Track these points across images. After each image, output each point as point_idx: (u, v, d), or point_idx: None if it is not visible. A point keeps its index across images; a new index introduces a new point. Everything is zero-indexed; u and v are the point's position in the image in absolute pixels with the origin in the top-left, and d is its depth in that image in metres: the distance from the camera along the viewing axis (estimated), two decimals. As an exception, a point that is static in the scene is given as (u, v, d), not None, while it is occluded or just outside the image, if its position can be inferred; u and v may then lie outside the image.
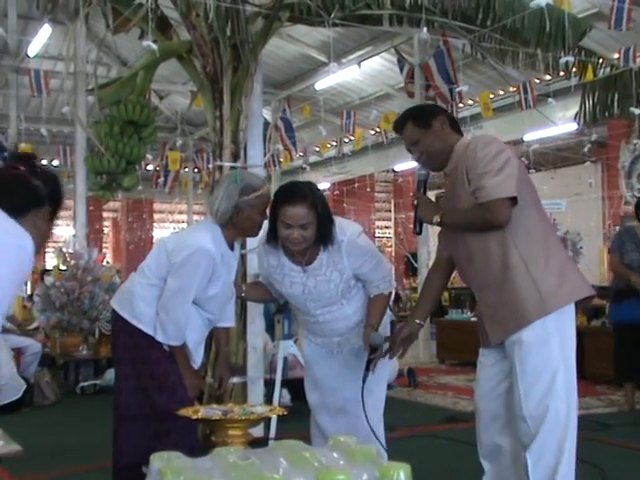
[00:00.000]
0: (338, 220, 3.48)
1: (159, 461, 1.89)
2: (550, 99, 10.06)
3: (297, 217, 3.30)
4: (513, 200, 2.95)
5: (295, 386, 6.09)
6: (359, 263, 3.45)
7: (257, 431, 3.64)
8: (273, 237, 3.43)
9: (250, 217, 3.44)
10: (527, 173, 3.21)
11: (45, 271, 14.31)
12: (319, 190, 3.48)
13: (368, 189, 23.11)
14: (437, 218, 3.12)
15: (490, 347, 3.16)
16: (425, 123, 3.20)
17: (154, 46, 5.83)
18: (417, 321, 3.35)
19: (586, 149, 11.68)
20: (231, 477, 1.75)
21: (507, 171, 2.95)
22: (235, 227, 3.47)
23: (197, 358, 3.62)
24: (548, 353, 2.98)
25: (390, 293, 3.59)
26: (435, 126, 3.19)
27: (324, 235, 3.37)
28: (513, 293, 3.01)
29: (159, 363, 3.45)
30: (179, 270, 3.38)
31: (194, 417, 2.61)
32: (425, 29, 6.33)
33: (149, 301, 3.44)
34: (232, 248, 3.56)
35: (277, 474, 1.76)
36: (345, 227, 3.46)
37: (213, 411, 2.64)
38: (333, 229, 3.39)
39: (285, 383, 6.14)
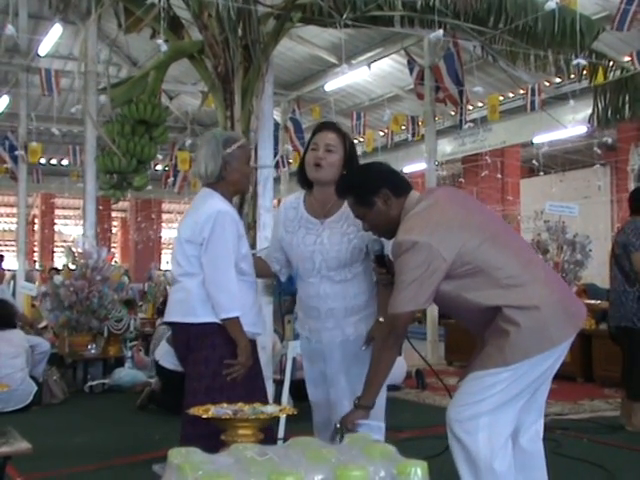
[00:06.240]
0: None
1: (177, 456, 1.89)
2: (562, 101, 10.04)
3: (325, 138, 3.47)
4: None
5: (297, 387, 6.03)
6: None
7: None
8: (302, 178, 3.57)
9: (238, 169, 3.59)
10: (495, 229, 3.09)
11: (54, 269, 14.39)
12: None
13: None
14: (362, 412, 3.05)
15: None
16: (367, 202, 3.12)
17: (165, 46, 5.84)
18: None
19: (597, 151, 11.63)
20: (250, 472, 1.76)
21: (418, 282, 2.90)
22: (227, 182, 3.59)
23: (257, 321, 3.66)
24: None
25: None
26: (378, 204, 3.11)
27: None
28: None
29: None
30: (210, 242, 3.44)
31: (204, 416, 2.61)
32: (441, 30, 6.32)
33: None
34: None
35: (295, 470, 1.77)
36: None
37: (223, 410, 2.64)
38: None
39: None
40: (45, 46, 13.36)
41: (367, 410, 3.08)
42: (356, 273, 3.50)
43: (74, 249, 9.54)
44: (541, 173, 15.13)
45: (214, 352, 3.48)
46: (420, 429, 6.15)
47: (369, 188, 3.13)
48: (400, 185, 3.18)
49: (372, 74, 15.56)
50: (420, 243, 2.90)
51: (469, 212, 3.11)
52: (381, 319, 3.43)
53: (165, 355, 7.14)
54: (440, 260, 2.90)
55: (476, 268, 2.94)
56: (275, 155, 7.01)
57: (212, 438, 2.87)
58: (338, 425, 3.06)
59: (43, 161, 17.37)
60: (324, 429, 3.56)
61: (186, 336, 3.55)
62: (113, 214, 29.12)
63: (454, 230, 2.97)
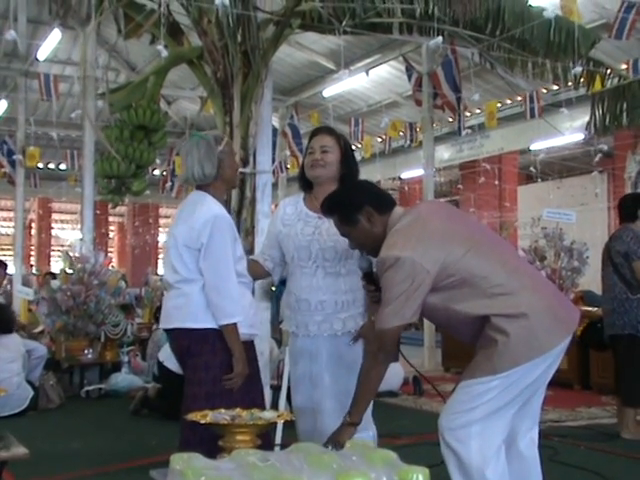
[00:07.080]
0: None
1: (179, 462, 1.90)
2: (560, 109, 10.05)
3: (320, 141, 3.65)
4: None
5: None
6: None
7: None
8: (303, 181, 3.72)
9: (230, 165, 3.66)
10: (483, 238, 3.12)
11: (49, 274, 14.35)
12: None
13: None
14: (351, 429, 3.00)
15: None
16: (351, 220, 3.15)
17: (164, 52, 5.85)
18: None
19: (597, 158, 11.64)
20: (252, 478, 1.76)
21: (403, 297, 2.91)
22: (222, 180, 3.62)
23: (255, 323, 3.66)
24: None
25: None
26: (362, 221, 3.13)
27: (347, 173, 3.63)
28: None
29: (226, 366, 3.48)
30: (209, 248, 3.43)
31: (202, 421, 2.61)
32: (440, 37, 6.35)
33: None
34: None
35: (297, 476, 1.78)
36: None
37: (221, 416, 2.64)
38: (356, 175, 3.68)
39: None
40: (44, 51, 13.34)
41: (355, 427, 3.05)
42: (350, 270, 3.56)
43: (71, 253, 9.52)
44: (538, 180, 15.12)
45: (214, 357, 3.47)
46: (417, 436, 6.14)
47: (352, 206, 3.16)
48: (383, 202, 3.20)
49: (370, 80, 15.55)
50: (402, 258, 2.91)
51: (452, 224, 3.12)
52: (373, 318, 3.47)
53: (170, 357, 7.12)
54: (424, 274, 2.91)
55: (461, 279, 2.95)
56: (273, 161, 7.01)
57: (212, 443, 2.87)
58: (330, 447, 3.03)
59: (41, 165, 17.31)
60: (308, 438, 3.54)
61: (187, 341, 3.53)
62: (110, 219, 29.07)
63: (436, 242, 2.98)
